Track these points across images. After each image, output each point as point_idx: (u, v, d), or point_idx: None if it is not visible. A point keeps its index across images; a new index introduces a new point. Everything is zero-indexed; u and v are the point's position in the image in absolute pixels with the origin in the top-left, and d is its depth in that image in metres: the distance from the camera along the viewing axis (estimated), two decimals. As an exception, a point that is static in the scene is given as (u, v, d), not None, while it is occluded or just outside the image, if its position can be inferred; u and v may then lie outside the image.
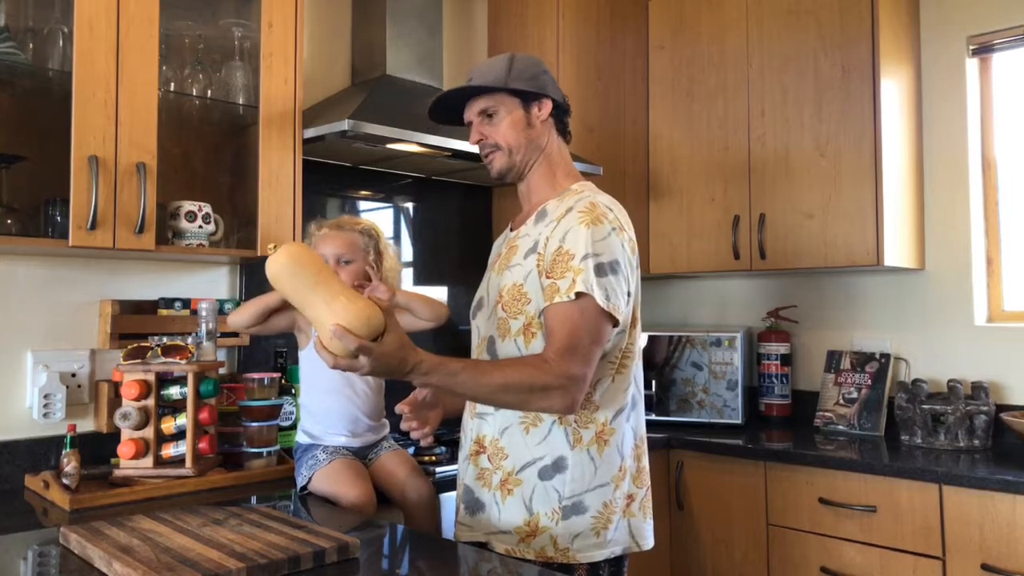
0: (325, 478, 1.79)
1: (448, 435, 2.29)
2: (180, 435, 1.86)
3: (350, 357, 1.32)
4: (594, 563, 1.53)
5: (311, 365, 1.87)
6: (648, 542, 1.61)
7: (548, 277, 1.50)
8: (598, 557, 1.53)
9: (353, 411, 1.87)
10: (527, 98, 1.62)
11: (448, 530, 1.96)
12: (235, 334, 2.25)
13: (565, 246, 1.50)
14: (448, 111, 1.70)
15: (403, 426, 1.64)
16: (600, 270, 1.48)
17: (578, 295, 1.45)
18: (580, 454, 1.53)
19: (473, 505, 1.61)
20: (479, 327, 1.68)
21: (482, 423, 1.60)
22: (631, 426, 1.60)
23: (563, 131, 1.70)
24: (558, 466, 1.52)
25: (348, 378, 1.86)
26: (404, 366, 1.36)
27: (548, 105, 1.63)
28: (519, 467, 1.54)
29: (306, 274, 1.35)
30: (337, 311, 1.30)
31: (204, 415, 1.87)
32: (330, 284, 1.34)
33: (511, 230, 1.73)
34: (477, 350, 1.68)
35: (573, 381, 1.44)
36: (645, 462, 1.64)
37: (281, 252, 1.36)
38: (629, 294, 1.55)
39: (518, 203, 1.74)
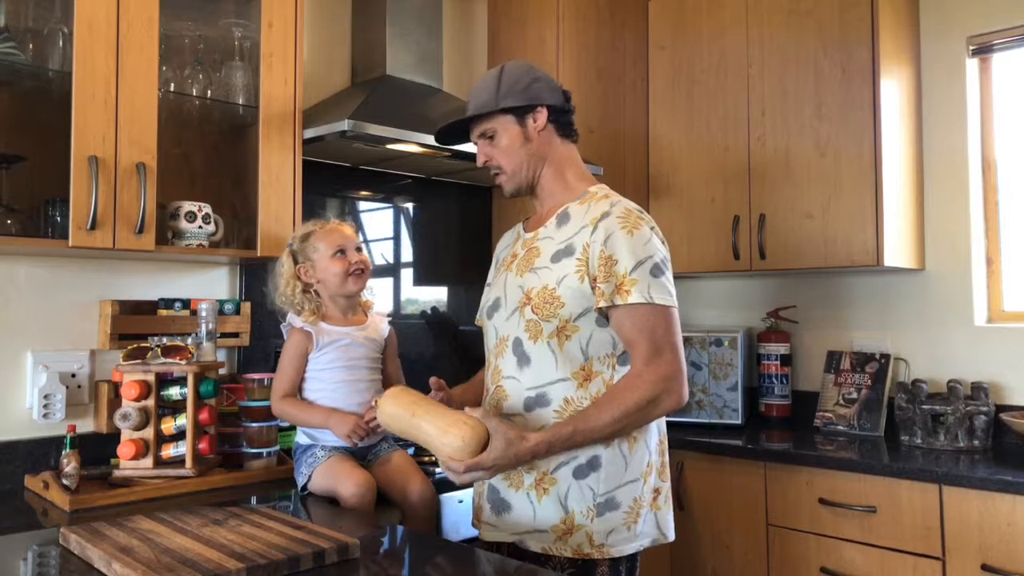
0: (324, 473, 1.79)
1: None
2: (180, 436, 1.86)
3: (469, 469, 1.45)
4: (615, 559, 1.56)
5: (317, 368, 1.87)
6: (672, 533, 1.66)
7: (604, 282, 1.53)
8: (629, 550, 1.57)
9: (356, 410, 1.87)
10: (521, 112, 1.64)
11: (449, 530, 1.96)
12: (235, 334, 2.25)
13: (615, 253, 1.54)
14: (455, 132, 1.76)
15: None
16: (655, 271, 1.54)
17: (642, 302, 1.51)
18: (613, 451, 1.56)
19: (499, 505, 1.63)
20: (496, 327, 1.69)
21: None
22: (655, 422, 1.64)
23: (567, 132, 1.71)
24: (592, 464, 1.56)
25: (352, 380, 1.87)
26: (521, 457, 1.48)
27: (543, 114, 1.65)
28: (554, 466, 1.57)
29: (408, 414, 1.54)
30: (443, 442, 1.47)
31: (204, 416, 1.87)
32: (429, 415, 1.51)
33: (525, 231, 1.74)
34: (496, 350, 1.69)
35: (672, 379, 1.53)
36: (667, 457, 1.69)
37: (386, 401, 1.59)
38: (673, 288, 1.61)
39: (519, 203, 1.76)
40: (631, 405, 1.51)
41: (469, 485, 1.66)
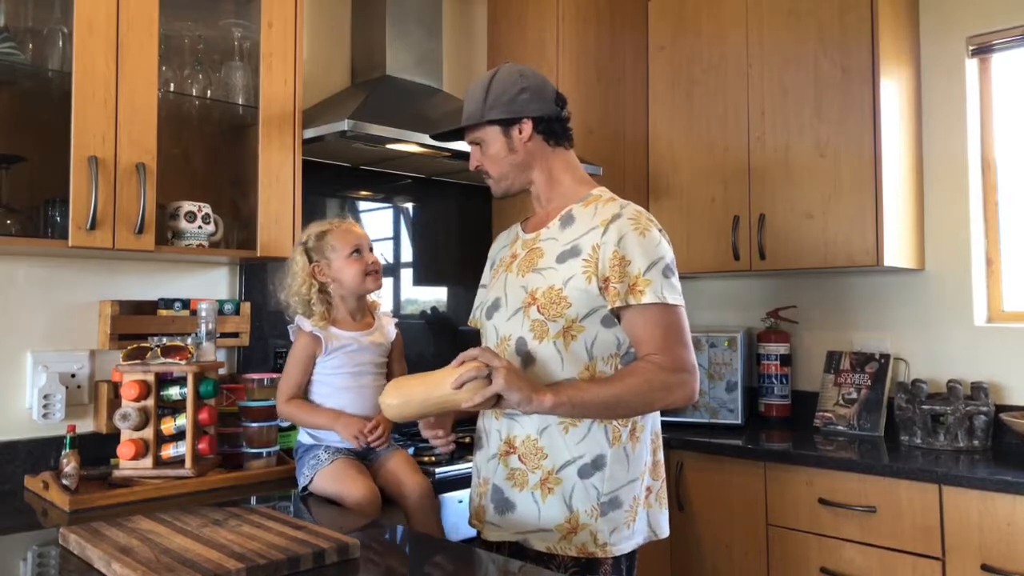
0: (328, 477, 1.79)
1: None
2: (180, 436, 1.86)
3: (483, 387, 1.46)
4: (617, 557, 1.58)
5: (323, 372, 1.87)
6: (664, 531, 1.69)
7: (618, 282, 1.54)
8: (628, 548, 1.59)
9: (361, 414, 1.87)
10: (506, 124, 1.66)
11: (449, 530, 1.96)
12: (235, 334, 2.25)
13: (628, 254, 1.55)
14: (453, 130, 1.77)
15: (425, 434, 1.66)
16: (666, 272, 1.57)
17: (656, 302, 1.53)
18: (617, 451, 1.58)
19: (503, 505, 1.64)
20: (497, 327, 1.69)
21: (513, 423, 1.62)
22: (649, 422, 1.66)
23: (559, 140, 1.71)
24: (597, 464, 1.57)
25: (357, 386, 1.86)
26: (535, 383, 1.50)
27: (528, 126, 1.65)
28: (559, 466, 1.58)
29: (415, 391, 1.53)
30: (452, 373, 1.50)
31: (204, 416, 1.87)
32: (433, 376, 1.52)
33: (524, 232, 1.75)
34: (497, 350, 1.68)
35: (687, 372, 1.55)
36: (660, 455, 1.71)
37: (389, 394, 1.55)
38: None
39: (519, 203, 1.76)
40: (643, 385, 1.51)
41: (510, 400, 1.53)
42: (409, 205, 2.82)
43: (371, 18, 2.58)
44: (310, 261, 1.88)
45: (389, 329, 1.97)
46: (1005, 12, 2.60)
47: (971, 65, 2.69)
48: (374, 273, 1.89)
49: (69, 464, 1.76)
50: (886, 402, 2.66)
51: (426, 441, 1.69)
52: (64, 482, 1.73)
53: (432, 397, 1.51)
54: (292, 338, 1.90)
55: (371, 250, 1.92)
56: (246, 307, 2.28)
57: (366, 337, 1.90)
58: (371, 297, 1.97)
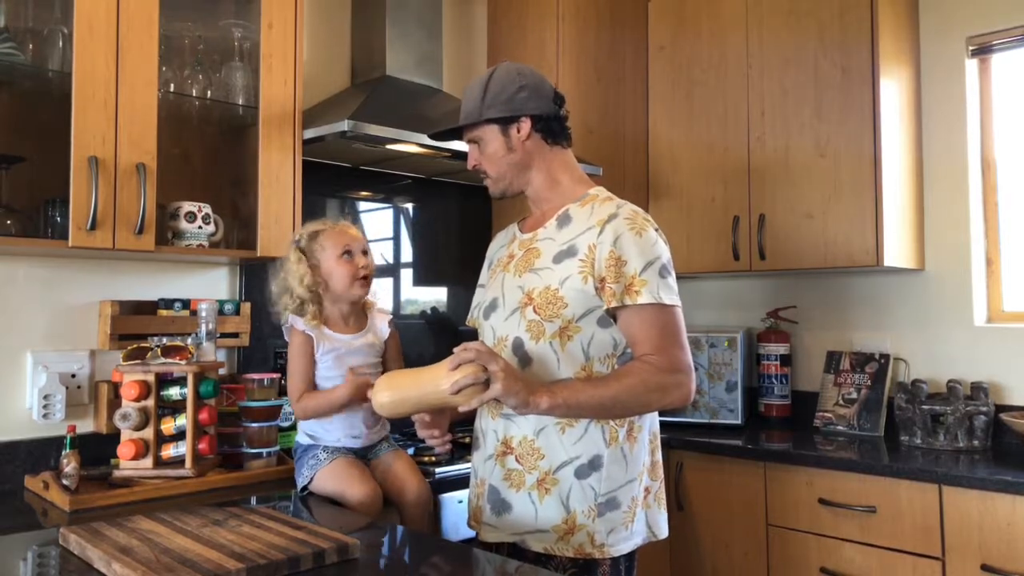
0: (329, 477, 1.79)
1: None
2: (180, 436, 1.86)
3: (480, 392, 1.46)
4: (615, 558, 1.58)
5: (323, 368, 1.87)
6: (663, 531, 1.68)
7: (614, 282, 1.54)
8: (626, 549, 1.59)
9: (359, 413, 1.86)
10: (504, 123, 1.65)
11: (448, 530, 1.97)
12: (235, 334, 2.25)
13: (624, 254, 1.55)
14: (450, 128, 1.77)
15: (421, 434, 1.66)
16: (663, 272, 1.56)
17: (652, 302, 1.53)
18: (615, 451, 1.58)
19: (500, 506, 1.63)
20: (494, 328, 1.69)
21: (510, 424, 1.62)
22: (647, 422, 1.66)
23: (557, 138, 1.70)
24: (594, 464, 1.57)
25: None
26: (531, 384, 1.49)
27: (527, 124, 1.65)
28: (556, 467, 1.58)
29: (409, 389, 1.53)
30: (448, 376, 1.49)
31: (204, 416, 1.87)
32: (428, 373, 1.53)
33: (522, 232, 1.74)
34: (495, 350, 1.67)
35: (683, 373, 1.55)
36: (659, 456, 1.70)
37: (382, 391, 1.55)
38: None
39: (518, 203, 1.75)
40: (639, 385, 1.51)
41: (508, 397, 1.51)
42: (409, 205, 2.82)
43: (371, 19, 2.58)
44: (305, 260, 1.86)
45: (382, 328, 1.95)
46: (1005, 12, 2.60)
47: (971, 65, 2.69)
48: (363, 279, 1.86)
49: (69, 464, 1.76)
50: (886, 402, 2.66)
51: (424, 440, 1.69)
52: (64, 482, 1.73)
53: (427, 397, 1.51)
54: (286, 337, 1.90)
55: (366, 253, 1.89)
56: (246, 307, 2.28)
57: (358, 340, 1.89)
58: (368, 296, 1.96)
